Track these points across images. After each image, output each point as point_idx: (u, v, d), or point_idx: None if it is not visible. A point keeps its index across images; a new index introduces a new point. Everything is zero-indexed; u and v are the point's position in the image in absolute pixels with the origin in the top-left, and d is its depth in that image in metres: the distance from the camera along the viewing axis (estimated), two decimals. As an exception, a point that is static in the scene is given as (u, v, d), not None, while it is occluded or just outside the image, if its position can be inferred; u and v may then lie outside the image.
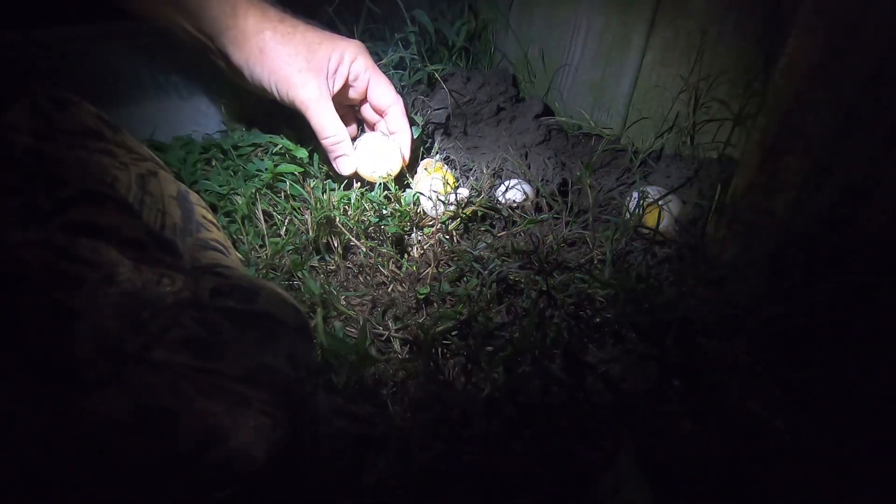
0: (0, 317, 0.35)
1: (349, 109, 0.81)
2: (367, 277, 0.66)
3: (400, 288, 0.65)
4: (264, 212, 0.71)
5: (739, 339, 0.53)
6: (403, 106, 0.76)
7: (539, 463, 0.48)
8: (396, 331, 0.60)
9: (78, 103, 0.47)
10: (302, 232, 0.68)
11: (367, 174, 0.74)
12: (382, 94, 0.75)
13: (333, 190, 0.74)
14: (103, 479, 0.33)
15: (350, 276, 0.67)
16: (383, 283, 0.66)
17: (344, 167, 0.74)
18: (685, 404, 0.51)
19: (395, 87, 0.76)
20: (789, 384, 0.49)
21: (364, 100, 0.78)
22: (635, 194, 0.70)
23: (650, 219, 0.68)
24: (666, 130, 0.80)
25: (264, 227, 0.69)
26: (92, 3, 0.70)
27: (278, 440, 0.40)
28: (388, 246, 0.68)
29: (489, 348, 0.55)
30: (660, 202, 0.68)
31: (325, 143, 0.73)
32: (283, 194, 0.73)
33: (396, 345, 0.59)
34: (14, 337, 0.35)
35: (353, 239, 0.68)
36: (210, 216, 0.57)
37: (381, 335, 0.60)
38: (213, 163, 0.77)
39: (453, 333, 0.58)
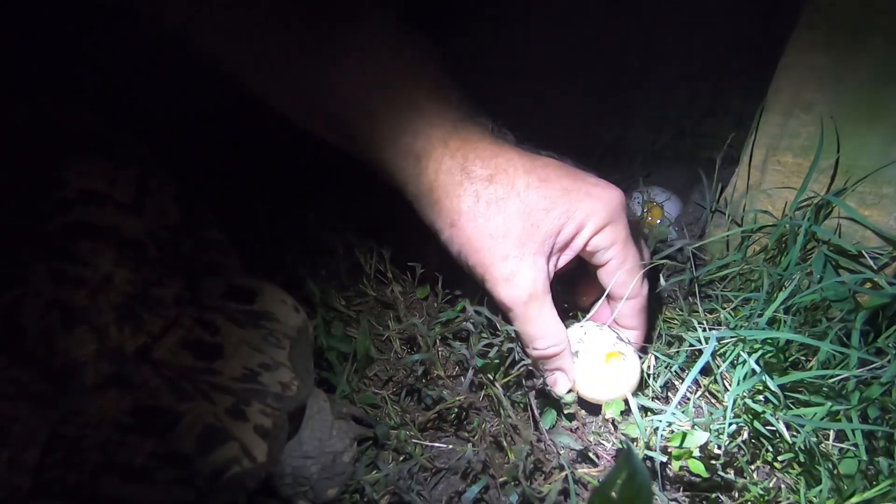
0: (0, 317, 0.35)
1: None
2: (368, 278, 0.66)
3: (400, 288, 0.64)
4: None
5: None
6: (645, 298, 0.53)
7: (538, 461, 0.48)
8: (396, 331, 0.60)
9: (79, 102, 0.48)
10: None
11: (590, 395, 0.52)
12: (623, 283, 0.51)
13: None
14: (103, 480, 0.34)
15: (350, 276, 0.67)
16: (384, 282, 0.66)
17: (561, 385, 0.52)
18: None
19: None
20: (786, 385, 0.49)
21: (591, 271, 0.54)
22: (636, 195, 0.70)
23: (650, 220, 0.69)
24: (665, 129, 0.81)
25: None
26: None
27: (278, 441, 0.40)
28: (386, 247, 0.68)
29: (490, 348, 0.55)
30: (660, 202, 0.68)
31: (534, 354, 0.51)
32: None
33: (396, 345, 0.59)
34: (14, 337, 0.35)
35: (354, 240, 0.68)
36: (210, 216, 0.57)
37: (381, 335, 0.60)
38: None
39: (453, 333, 0.58)
